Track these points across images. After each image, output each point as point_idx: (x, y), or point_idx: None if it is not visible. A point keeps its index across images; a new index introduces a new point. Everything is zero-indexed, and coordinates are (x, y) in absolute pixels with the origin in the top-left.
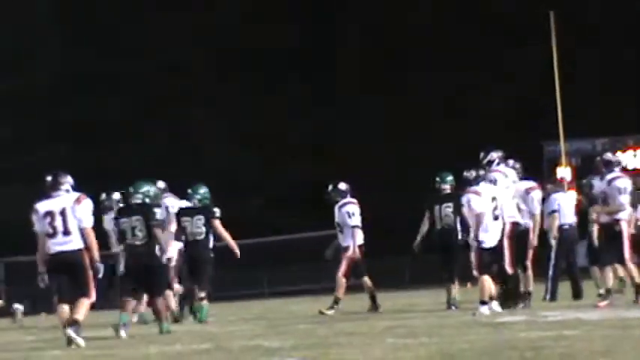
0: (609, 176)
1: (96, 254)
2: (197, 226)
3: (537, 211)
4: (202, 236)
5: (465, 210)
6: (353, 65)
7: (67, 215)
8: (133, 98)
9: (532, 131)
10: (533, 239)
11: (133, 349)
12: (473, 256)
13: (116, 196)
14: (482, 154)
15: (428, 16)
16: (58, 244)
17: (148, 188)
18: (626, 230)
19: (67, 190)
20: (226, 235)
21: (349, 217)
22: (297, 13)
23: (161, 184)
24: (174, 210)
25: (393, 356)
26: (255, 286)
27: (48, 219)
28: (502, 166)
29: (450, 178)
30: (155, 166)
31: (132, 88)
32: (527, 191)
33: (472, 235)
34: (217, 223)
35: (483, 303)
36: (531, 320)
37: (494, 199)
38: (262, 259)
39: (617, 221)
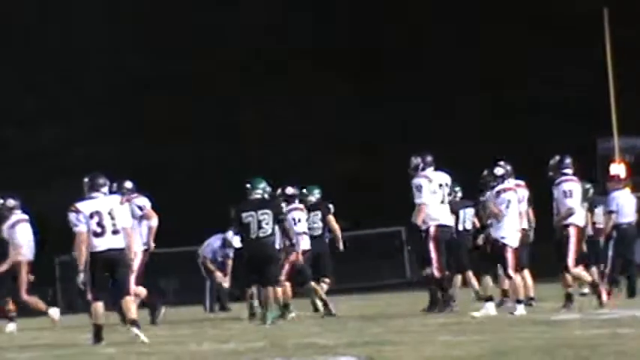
0: None
1: (132, 254)
2: (314, 221)
3: (522, 209)
4: (320, 231)
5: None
6: (400, 66)
7: (115, 215)
8: (181, 97)
9: (585, 127)
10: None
11: (186, 346)
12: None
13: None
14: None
15: (476, 15)
16: (106, 243)
17: (265, 184)
18: None
19: (105, 192)
20: (337, 229)
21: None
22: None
23: (129, 184)
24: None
25: (446, 354)
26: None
27: (96, 219)
28: (429, 171)
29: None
30: (203, 165)
31: (181, 88)
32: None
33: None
34: (331, 218)
35: (519, 302)
36: (586, 318)
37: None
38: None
39: None
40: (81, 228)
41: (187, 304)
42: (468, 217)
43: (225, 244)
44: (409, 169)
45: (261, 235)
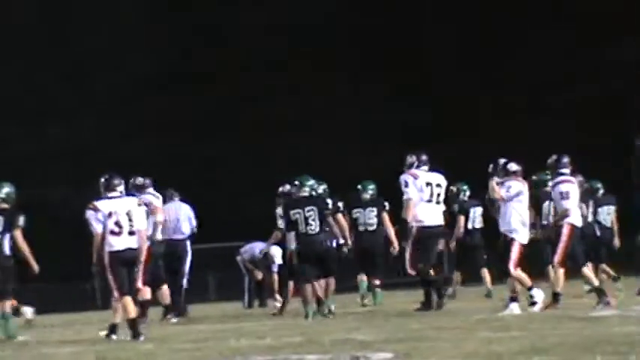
0: None
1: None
2: (369, 217)
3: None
4: (374, 227)
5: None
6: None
7: (132, 217)
8: (226, 95)
9: (623, 126)
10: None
11: (224, 343)
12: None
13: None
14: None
15: (524, 15)
16: (124, 243)
17: (313, 182)
18: None
19: (121, 192)
20: (390, 227)
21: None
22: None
23: (140, 180)
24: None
25: (486, 350)
26: (344, 280)
27: (114, 218)
28: (421, 169)
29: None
30: (250, 162)
31: (225, 85)
32: None
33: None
34: (386, 215)
35: (514, 299)
36: (624, 315)
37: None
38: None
39: None
40: (98, 227)
41: (228, 299)
42: (478, 216)
43: (268, 258)
44: (405, 166)
45: (309, 231)
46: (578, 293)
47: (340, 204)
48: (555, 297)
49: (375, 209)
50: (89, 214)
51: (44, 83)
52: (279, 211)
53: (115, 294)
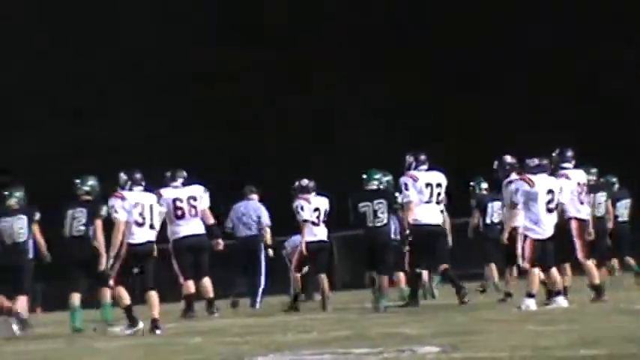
0: None
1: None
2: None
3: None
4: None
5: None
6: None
7: (154, 211)
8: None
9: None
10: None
11: (271, 336)
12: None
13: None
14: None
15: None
16: (145, 235)
17: (380, 175)
18: None
19: (143, 187)
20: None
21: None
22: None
23: (183, 173)
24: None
25: (533, 343)
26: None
27: (139, 209)
28: (420, 169)
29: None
30: (296, 159)
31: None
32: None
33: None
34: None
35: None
36: None
37: (550, 191)
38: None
39: None
40: (121, 216)
41: (273, 293)
42: (496, 211)
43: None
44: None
45: (377, 224)
46: (629, 285)
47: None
48: (597, 291)
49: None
50: (115, 202)
51: (90, 77)
52: (297, 203)
53: (111, 282)
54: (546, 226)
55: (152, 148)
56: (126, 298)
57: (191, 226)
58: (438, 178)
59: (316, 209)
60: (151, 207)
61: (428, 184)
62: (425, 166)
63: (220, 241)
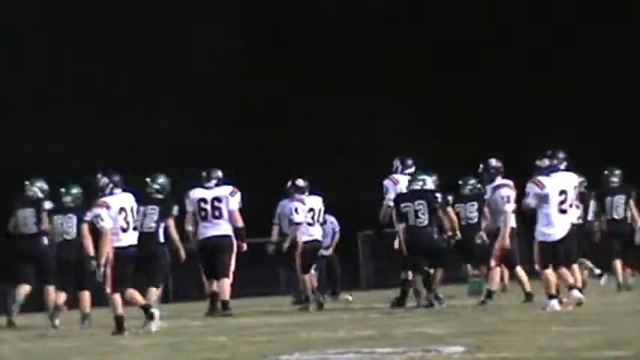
0: None
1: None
2: (470, 211)
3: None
4: (475, 220)
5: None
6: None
7: (134, 213)
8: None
9: None
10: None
11: (296, 335)
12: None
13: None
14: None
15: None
16: (130, 239)
17: (425, 176)
18: None
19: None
20: (449, 222)
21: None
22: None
23: (219, 172)
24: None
25: (558, 344)
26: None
27: (123, 215)
28: (404, 174)
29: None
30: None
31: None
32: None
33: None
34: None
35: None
36: None
37: (562, 192)
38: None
39: None
40: (107, 224)
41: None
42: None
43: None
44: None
45: (418, 224)
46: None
47: (450, 197)
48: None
49: (475, 204)
50: (99, 211)
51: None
52: (292, 206)
53: (108, 289)
54: (558, 228)
55: (202, 148)
56: (119, 306)
57: (213, 228)
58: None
59: (311, 209)
60: (132, 209)
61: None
62: (411, 170)
63: (244, 244)
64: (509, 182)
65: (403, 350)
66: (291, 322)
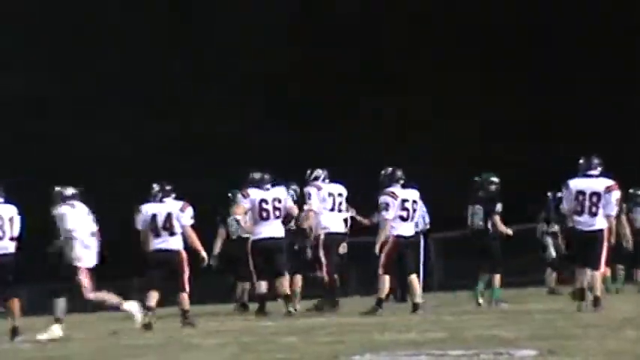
0: None
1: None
2: (480, 217)
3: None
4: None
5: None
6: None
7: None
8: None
9: None
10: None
11: (367, 336)
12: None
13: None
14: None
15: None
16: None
17: (495, 179)
18: None
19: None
20: (503, 228)
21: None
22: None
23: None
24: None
25: (631, 349)
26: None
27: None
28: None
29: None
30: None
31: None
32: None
33: None
34: (497, 218)
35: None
36: None
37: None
38: None
39: None
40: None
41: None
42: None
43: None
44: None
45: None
46: None
47: (499, 205)
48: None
49: (482, 208)
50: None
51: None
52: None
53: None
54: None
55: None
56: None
57: (272, 228)
58: (339, 189)
59: (330, 194)
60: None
61: (330, 194)
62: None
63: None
64: None
65: (474, 353)
66: (363, 322)
